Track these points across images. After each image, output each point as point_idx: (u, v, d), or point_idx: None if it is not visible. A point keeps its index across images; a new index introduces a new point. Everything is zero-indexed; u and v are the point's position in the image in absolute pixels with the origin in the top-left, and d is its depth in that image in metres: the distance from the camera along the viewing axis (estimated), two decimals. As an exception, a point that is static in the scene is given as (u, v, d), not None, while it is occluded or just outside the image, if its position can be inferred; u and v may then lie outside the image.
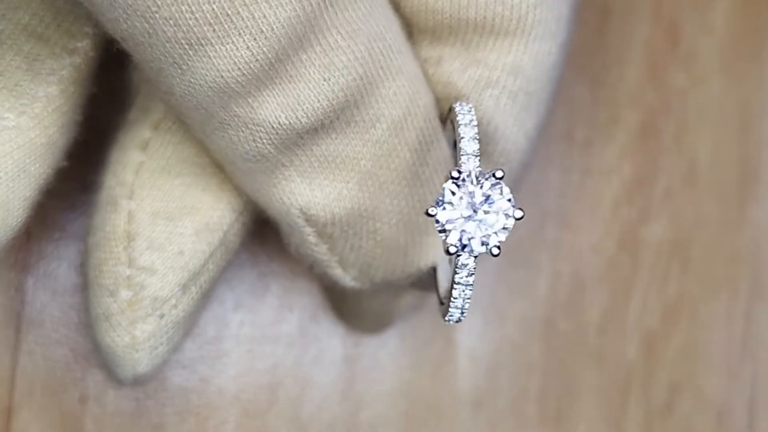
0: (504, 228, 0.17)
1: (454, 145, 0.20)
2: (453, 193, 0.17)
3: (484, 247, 0.17)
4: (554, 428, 0.27)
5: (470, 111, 0.18)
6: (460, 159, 0.17)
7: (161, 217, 0.19)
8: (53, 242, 0.25)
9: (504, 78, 0.19)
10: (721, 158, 0.28)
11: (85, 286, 0.20)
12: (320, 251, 0.20)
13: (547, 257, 0.27)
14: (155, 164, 0.20)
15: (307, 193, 0.18)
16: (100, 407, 0.26)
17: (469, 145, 0.17)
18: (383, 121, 0.18)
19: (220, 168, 0.20)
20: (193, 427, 0.26)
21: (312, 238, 0.19)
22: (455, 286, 0.17)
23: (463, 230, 0.16)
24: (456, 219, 0.16)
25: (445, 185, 0.17)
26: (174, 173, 0.20)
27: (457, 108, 0.18)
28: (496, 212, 0.17)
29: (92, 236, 0.20)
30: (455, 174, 0.17)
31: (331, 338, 0.27)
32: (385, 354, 0.27)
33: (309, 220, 0.19)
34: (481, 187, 0.17)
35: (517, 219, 0.17)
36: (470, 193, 0.16)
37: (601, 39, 0.28)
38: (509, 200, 0.17)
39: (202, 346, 0.26)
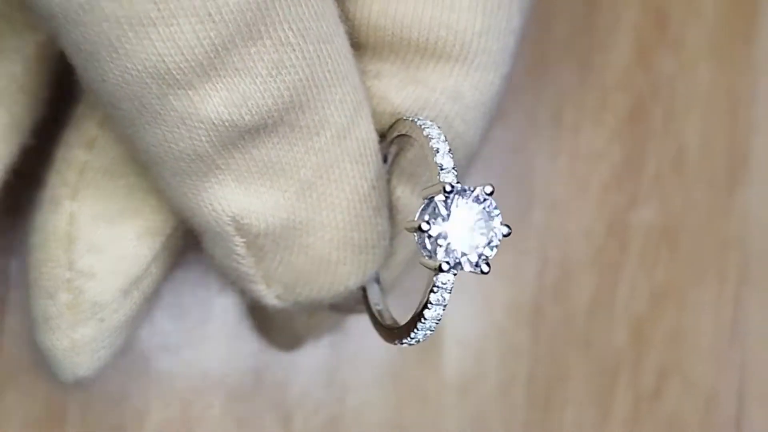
0: (491, 245, 0.16)
1: (384, 159, 0.19)
2: (443, 208, 0.16)
3: (473, 264, 0.16)
4: (542, 414, 0.27)
5: (434, 125, 0.17)
6: (439, 174, 0.16)
7: (103, 220, 0.19)
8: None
9: (442, 101, 0.19)
10: (710, 143, 0.28)
11: (26, 285, 0.20)
12: (246, 264, 0.18)
13: (535, 242, 0.27)
14: (100, 164, 0.19)
15: (241, 200, 0.17)
16: (84, 392, 0.26)
17: (446, 159, 0.16)
18: (327, 128, 0.17)
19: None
20: (177, 411, 0.26)
21: (240, 249, 0.18)
22: (430, 306, 0.16)
23: (453, 247, 0.16)
24: (447, 235, 0.16)
25: (436, 199, 0.16)
26: (118, 174, 0.19)
27: (422, 123, 0.17)
28: (484, 229, 0.16)
29: (34, 236, 0.19)
30: (448, 188, 0.16)
31: (317, 323, 0.27)
32: (372, 339, 0.26)
33: (240, 229, 0.18)
34: (473, 203, 0.16)
35: (504, 236, 0.16)
36: (460, 208, 0.16)
37: (590, 22, 0.27)
38: (497, 216, 0.16)
39: (187, 330, 0.26)
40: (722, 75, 0.28)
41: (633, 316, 0.28)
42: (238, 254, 0.18)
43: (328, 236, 0.18)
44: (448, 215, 0.16)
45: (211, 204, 0.17)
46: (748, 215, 0.28)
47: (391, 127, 0.19)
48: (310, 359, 0.26)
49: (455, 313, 0.27)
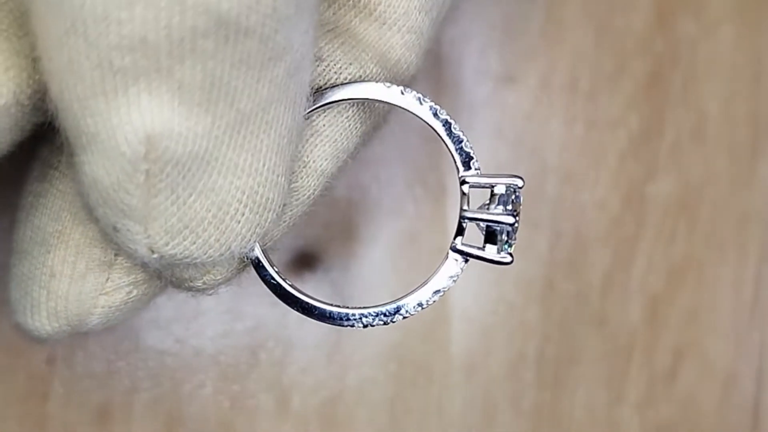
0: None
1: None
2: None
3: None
4: (552, 395, 0.26)
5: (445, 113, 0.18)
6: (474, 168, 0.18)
7: None
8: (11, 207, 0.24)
9: None
10: (732, 111, 0.27)
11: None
12: (136, 196, 0.15)
13: (548, 214, 0.26)
14: None
15: (168, 117, 0.15)
16: (68, 369, 0.24)
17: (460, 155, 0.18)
18: (286, 58, 0.15)
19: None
20: (167, 390, 0.25)
21: (138, 177, 0.15)
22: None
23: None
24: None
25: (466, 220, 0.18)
26: None
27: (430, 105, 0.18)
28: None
29: None
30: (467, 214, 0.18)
31: (316, 297, 0.25)
32: (374, 315, 0.26)
33: (152, 152, 0.15)
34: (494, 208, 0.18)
35: (510, 224, 0.18)
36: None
37: (609, -18, 0.26)
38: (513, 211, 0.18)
39: (178, 304, 0.25)
40: (746, 39, 0.27)
41: (649, 293, 0.26)
42: (132, 183, 0.15)
43: (237, 183, 0.16)
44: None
45: (129, 115, 0.14)
46: (771, 188, 0.27)
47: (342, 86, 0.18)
48: (309, 336, 0.25)
49: (462, 288, 0.26)
